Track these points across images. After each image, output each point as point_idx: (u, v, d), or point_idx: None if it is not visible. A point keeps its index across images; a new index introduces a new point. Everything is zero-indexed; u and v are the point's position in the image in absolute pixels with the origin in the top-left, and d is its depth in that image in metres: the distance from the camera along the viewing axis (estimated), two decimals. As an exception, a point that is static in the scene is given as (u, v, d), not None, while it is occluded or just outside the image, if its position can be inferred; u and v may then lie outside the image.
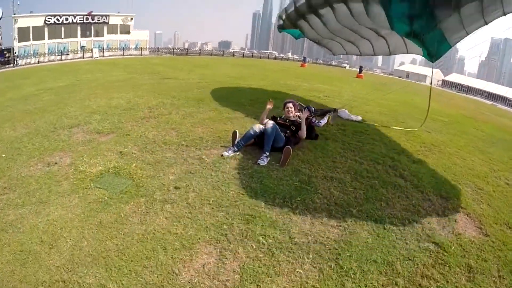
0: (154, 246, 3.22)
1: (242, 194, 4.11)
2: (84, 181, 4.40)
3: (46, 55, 36.15)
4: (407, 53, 7.83)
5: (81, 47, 40.83)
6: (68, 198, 4.01)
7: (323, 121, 7.17)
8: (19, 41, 37.00)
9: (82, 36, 43.66)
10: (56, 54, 36.84)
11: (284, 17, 8.56)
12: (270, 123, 5.23)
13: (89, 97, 9.92)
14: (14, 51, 32.51)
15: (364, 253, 3.33)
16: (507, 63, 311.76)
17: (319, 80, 19.02)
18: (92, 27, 45.01)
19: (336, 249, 3.35)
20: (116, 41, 46.90)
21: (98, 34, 45.83)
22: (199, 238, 3.34)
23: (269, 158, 5.04)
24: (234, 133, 5.43)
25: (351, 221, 3.80)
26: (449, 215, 4.18)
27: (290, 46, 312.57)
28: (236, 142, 5.30)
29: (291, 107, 5.93)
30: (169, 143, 5.62)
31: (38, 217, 3.64)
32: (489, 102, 29.72)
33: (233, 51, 59.85)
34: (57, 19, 40.88)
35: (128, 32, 49.34)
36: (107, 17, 46.38)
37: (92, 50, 37.87)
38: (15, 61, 30.41)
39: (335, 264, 3.16)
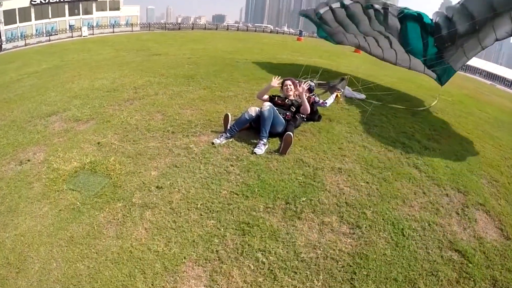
0: (131, 270, 2.61)
1: (237, 195, 3.46)
2: (57, 182, 3.82)
3: (34, 37, 34.69)
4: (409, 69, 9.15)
5: (70, 26, 39.18)
6: (38, 205, 3.48)
7: (330, 101, 6.30)
8: (5, 24, 35.26)
9: (70, 15, 41.95)
10: (44, 35, 35.36)
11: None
12: (267, 105, 4.52)
13: (72, 79, 9.20)
14: (0, 35, 31.27)
15: (383, 269, 2.76)
16: (506, 43, 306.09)
17: (317, 54, 17.72)
18: (81, 5, 43.17)
19: (351, 266, 2.77)
20: (105, 18, 45.26)
21: (87, 12, 44.09)
22: (184, 257, 2.72)
23: (267, 146, 4.40)
24: (226, 117, 4.73)
25: (365, 227, 3.20)
26: (469, 214, 3.69)
27: (285, 19, 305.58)
28: (228, 127, 4.60)
29: (290, 85, 5.19)
30: (154, 130, 4.94)
31: (5, 231, 3.15)
32: (488, 82, 28.75)
33: (227, 25, 57.69)
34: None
35: (118, 9, 47.65)
36: (96, -6, 44.48)
37: (81, 28, 36.42)
38: (0, 46, 29.16)
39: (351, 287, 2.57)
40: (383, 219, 3.30)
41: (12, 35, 34.94)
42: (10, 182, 3.95)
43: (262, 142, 4.36)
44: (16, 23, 36.64)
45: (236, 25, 69.22)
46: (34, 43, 31.70)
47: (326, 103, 6.01)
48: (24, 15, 37.45)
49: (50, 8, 39.83)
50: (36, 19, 38.45)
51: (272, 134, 4.57)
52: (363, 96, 7.20)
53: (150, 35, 29.98)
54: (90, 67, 11.60)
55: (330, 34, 10.56)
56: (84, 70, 11.01)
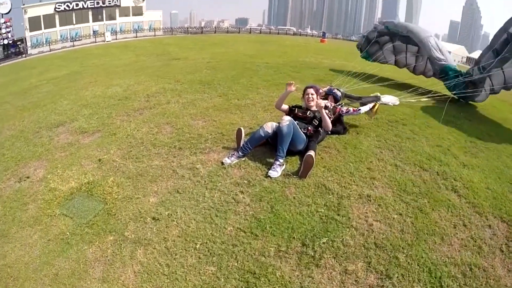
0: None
1: (244, 232, 2.91)
2: (51, 205, 3.53)
3: (59, 42, 35.42)
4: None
5: (94, 31, 39.81)
6: (29, 231, 3.21)
7: (365, 108, 5.34)
8: (30, 31, 36.08)
9: (94, 20, 42.55)
10: (69, 41, 36.05)
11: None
12: (286, 120, 3.97)
13: (87, 86, 9.03)
14: (26, 41, 31.92)
15: None
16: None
17: (341, 56, 17.08)
18: (104, 11, 43.70)
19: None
20: (129, 23, 45.68)
21: (110, 17, 44.55)
22: (175, 317, 2.20)
23: (283, 167, 3.85)
24: (239, 132, 4.21)
25: (397, 276, 2.57)
26: (513, 250, 2.99)
27: (308, 21, 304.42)
28: (241, 145, 4.09)
29: (312, 94, 4.59)
30: (159, 145, 4.50)
31: (-5, 259, 2.85)
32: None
33: (250, 28, 57.39)
34: (67, 6, 39.68)
35: (140, 14, 47.93)
36: (118, 0, 44.90)
37: (104, 34, 36.89)
38: (26, 51, 29.77)
39: None
40: (418, 265, 2.68)
41: (37, 41, 35.74)
42: (6, 201, 3.74)
43: (278, 162, 3.81)
44: (41, 29, 37.40)
45: (259, 28, 68.97)
46: (59, 49, 32.36)
47: (359, 110, 5.18)
48: (49, 21, 38.20)
49: (74, 14, 40.51)
50: (60, 25, 39.17)
51: (291, 152, 4.04)
52: (396, 101, 6.46)
53: (172, 40, 29.99)
54: (108, 73, 11.46)
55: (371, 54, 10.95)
56: (101, 76, 10.88)
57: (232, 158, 3.97)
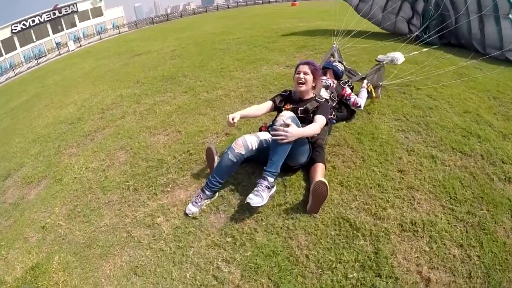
0: None
1: None
2: None
3: (24, 64, 33.35)
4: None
5: (57, 44, 37.56)
6: None
7: (362, 100, 3.95)
8: None
9: (54, 32, 39.89)
10: (34, 59, 33.97)
11: None
12: (288, 117, 2.58)
13: (42, 111, 7.71)
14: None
15: None
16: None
17: (316, 16, 15.26)
18: (62, 20, 40.84)
19: None
20: (91, 27, 43.10)
21: (71, 25, 41.81)
22: None
23: (273, 190, 2.59)
24: (210, 152, 2.95)
25: None
26: None
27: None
28: (208, 180, 2.73)
29: (305, 74, 2.99)
30: (110, 187, 3.24)
31: None
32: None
33: (217, 5, 54.91)
34: (24, 25, 36.92)
35: (101, 14, 45.11)
36: (75, 5, 41.72)
37: (67, 44, 34.77)
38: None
39: None
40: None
41: (1, 68, 33.60)
42: None
43: (265, 183, 2.50)
44: (2, 55, 35.12)
45: (226, 3, 66.06)
46: (25, 70, 30.38)
47: (359, 105, 3.85)
48: (9, 45, 35.66)
49: (32, 31, 37.82)
50: (21, 46, 36.69)
51: (287, 167, 2.78)
52: (400, 57, 5.03)
53: (136, 34, 28.04)
54: (65, 89, 10.05)
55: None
56: (58, 94, 9.51)
57: (199, 202, 2.68)
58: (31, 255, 2.83)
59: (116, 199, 3.04)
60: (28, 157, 4.79)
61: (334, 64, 4.13)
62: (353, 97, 3.79)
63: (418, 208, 2.47)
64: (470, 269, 2.01)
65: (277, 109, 3.12)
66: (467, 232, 2.27)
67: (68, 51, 32.93)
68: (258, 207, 2.45)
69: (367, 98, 4.02)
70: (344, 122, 3.69)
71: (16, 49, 36.33)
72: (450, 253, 2.12)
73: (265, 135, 2.82)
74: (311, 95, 3.07)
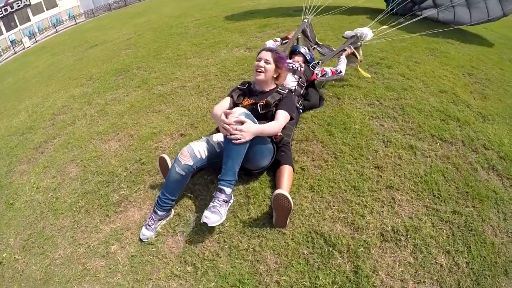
0: None
1: None
2: None
3: (-22, 67, 31.25)
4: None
5: (11, 41, 35.24)
6: None
7: (342, 65, 3.73)
8: None
9: (8, 30, 37.11)
10: (-12, 61, 31.84)
11: None
12: (240, 114, 2.18)
13: (-5, 122, 7.06)
14: None
15: None
16: None
17: None
18: (15, 16, 38.05)
19: None
20: (46, 20, 40.41)
21: (25, 19, 39.19)
22: None
23: (230, 202, 2.26)
24: (163, 162, 2.63)
25: None
26: None
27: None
28: (158, 198, 2.39)
29: (267, 63, 2.64)
30: (62, 212, 2.89)
31: None
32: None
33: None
34: (-26, 24, 34.70)
35: (55, 5, 42.19)
36: (28, -1, 39.31)
37: (22, 40, 32.65)
38: None
39: None
40: None
41: (-46, 74, 31.41)
42: None
43: (222, 197, 2.17)
44: (-46, 61, 32.78)
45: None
46: (-20, 75, 28.50)
47: (340, 71, 3.62)
48: (-42, 49, 33.37)
49: (-17, 32, 35.58)
50: (-27, 48, 34.44)
51: (246, 171, 2.51)
52: (369, 32, 4.71)
53: (93, 23, 26.51)
54: (18, 93, 9.31)
55: None
56: (12, 99, 8.77)
57: (154, 226, 2.35)
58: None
59: (68, 224, 2.72)
60: (-23, 179, 4.36)
61: (300, 49, 3.83)
62: (328, 70, 3.52)
63: (400, 212, 2.26)
64: (459, 279, 1.86)
65: (236, 105, 2.68)
66: (453, 235, 2.09)
67: (23, 49, 30.94)
68: (219, 226, 2.16)
69: (353, 64, 3.79)
70: (312, 111, 3.41)
71: (-33, 51, 33.99)
72: (436, 263, 1.95)
73: (218, 137, 2.48)
74: (273, 86, 2.72)
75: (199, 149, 2.35)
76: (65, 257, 2.47)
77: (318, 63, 3.63)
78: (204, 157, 2.36)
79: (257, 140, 2.24)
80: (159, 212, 2.36)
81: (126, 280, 2.12)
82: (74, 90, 5.97)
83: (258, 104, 2.57)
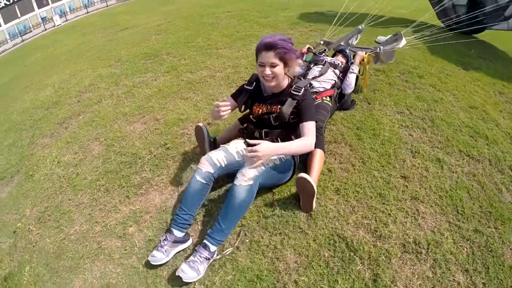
0: None
1: None
2: None
3: (8, 41, 32.14)
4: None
5: (42, 19, 36.18)
6: None
7: (351, 79, 3.52)
8: None
9: (39, 7, 38.10)
10: (19, 36, 32.74)
11: None
12: (248, 180, 2.07)
13: (21, 94, 7.28)
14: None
15: None
16: None
17: None
18: (48, -6, 39.59)
19: None
20: (77, 0, 41.68)
21: (57, -2, 40.49)
22: None
23: (212, 259, 2.04)
24: (199, 131, 2.67)
25: None
26: None
27: None
28: (175, 216, 2.19)
29: (272, 66, 2.19)
30: (81, 187, 2.94)
31: None
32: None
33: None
34: (8, 0, 35.64)
35: (88, -14, 43.54)
36: (60, -23, 40.26)
37: (52, 18, 33.48)
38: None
39: None
40: None
41: (-13, 47, 32.39)
42: None
43: (205, 253, 1.99)
44: (-14, 34, 33.82)
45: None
46: (10, 48, 29.35)
47: (348, 86, 3.47)
48: (-8, 23, 34.44)
49: (16, 7, 36.03)
50: (5, 23, 35.04)
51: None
52: (402, 40, 4.62)
53: (124, 7, 26.90)
54: (46, 68, 9.57)
55: None
56: (39, 74, 9.04)
57: (166, 248, 2.06)
58: (3, 263, 2.58)
59: (86, 201, 2.75)
60: (2, 149, 4.45)
61: (344, 49, 3.87)
62: (348, 78, 3.47)
63: (423, 225, 2.21)
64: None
65: (245, 108, 2.51)
66: (473, 254, 2.03)
67: (54, 26, 31.80)
68: (190, 282, 1.97)
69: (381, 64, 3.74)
70: (342, 113, 3.36)
71: (0, 26, 34.99)
72: (454, 280, 1.90)
73: (237, 145, 2.40)
74: (286, 81, 2.36)
75: (217, 157, 2.27)
76: (81, 233, 2.49)
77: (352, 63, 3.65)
78: (223, 165, 2.28)
79: (277, 163, 2.22)
80: (176, 232, 2.13)
81: (141, 264, 2.12)
82: (102, 70, 6.05)
83: (271, 116, 2.30)
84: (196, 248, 2.04)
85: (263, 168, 2.14)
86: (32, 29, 34.55)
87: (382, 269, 1.94)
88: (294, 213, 2.29)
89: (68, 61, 9.14)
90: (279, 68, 2.19)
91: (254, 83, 2.43)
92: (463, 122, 3.30)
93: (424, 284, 1.88)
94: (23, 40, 30.38)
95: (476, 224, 2.23)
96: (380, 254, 2.02)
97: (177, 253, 2.12)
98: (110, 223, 2.45)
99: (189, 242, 2.18)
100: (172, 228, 2.14)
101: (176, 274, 1.92)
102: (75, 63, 8.05)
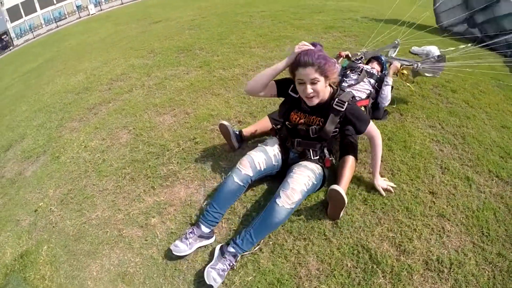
0: None
1: None
2: None
3: (44, 26, 33.26)
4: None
5: (77, 6, 37.27)
6: None
7: (387, 94, 3.44)
8: (11, 21, 33.31)
9: (75, -5, 39.85)
10: (54, 22, 33.83)
11: None
12: (293, 202, 2.05)
13: (53, 77, 7.50)
14: (9, 33, 29.96)
15: None
16: None
17: None
18: (84, -18, 40.80)
19: None
20: (113, -10, 42.74)
21: (92, -13, 41.68)
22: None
23: (229, 266, 1.97)
24: (223, 128, 2.74)
25: None
26: None
27: None
28: (205, 212, 2.19)
29: (312, 83, 2.08)
30: (106, 173, 2.98)
31: None
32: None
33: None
34: (44, -14, 36.98)
35: (124, -23, 44.61)
36: (98, -34, 41.47)
37: (87, 7, 34.45)
38: (12, 43, 28.08)
39: None
40: None
41: (20, 30, 33.53)
42: None
43: (232, 261, 1.96)
44: (22, 17, 34.85)
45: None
46: (44, 33, 30.37)
47: (384, 99, 3.39)
48: (29, 7, 35.17)
49: (53, -7, 37.80)
50: (41, 8, 36.23)
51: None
52: (436, 52, 4.47)
53: (157, 0, 27.54)
54: (79, 54, 9.84)
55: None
56: (72, 59, 9.32)
57: (190, 241, 2.07)
58: (21, 240, 2.64)
59: (111, 187, 2.77)
60: (31, 129, 4.59)
61: (380, 56, 3.81)
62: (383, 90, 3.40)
63: (447, 243, 2.11)
64: None
65: (280, 128, 2.48)
66: (494, 278, 1.93)
67: (88, 15, 32.74)
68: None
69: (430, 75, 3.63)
70: (373, 122, 3.29)
71: (36, 11, 36.20)
72: None
73: (274, 148, 2.36)
74: (328, 93, 2.22)
75: (259, 160, 2.24)
76: (102, 219, 2.51)
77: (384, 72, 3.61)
78: (262, 169, 2.26)
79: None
80: (203, 228, 2.13)
81: (161, 256, 2.11)
82: (134, 60, 6.15)
83: (310, 129, 2.24)
84: (225, 255, 1.96)
85: (306, 189, 2.11)
86: (67, 16, 35.59)
87: (403, 285, 1.88)
88: (320, 220, 2.24)
89: (101, 49, 9.36)
90: (321, 85, 2.07)
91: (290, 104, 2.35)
92: (494, 142, 3.17)
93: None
94: (57, 26, 31.36)
95: (500, 247, 2.13)
96: (403, 269, 1.96)
97: (198, 248, 2.11)
98: (133, 212, 2.46)
99: (213, 239, 2.16)
100: (200, 223, 2.14)
101: (208, 283, 1.86)
102: (107, 52, 8.22)
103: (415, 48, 4.89)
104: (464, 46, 4.49)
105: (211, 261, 1.94)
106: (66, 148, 3.66)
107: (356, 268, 1.97)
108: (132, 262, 2.11)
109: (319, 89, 2.07)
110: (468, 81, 4.40)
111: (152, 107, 3.93)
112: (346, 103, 2.18)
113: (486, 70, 4.75)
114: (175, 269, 2.01)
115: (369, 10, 9.13)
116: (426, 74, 3.69)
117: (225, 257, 1.93)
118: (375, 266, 1.97)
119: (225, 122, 2.71)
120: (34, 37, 28.96)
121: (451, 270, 1.96)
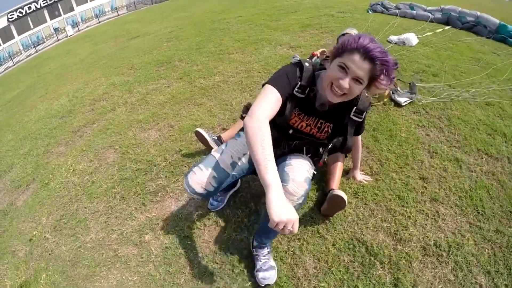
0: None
1: None
2: None
3: (22, 52, 32.96)
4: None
5: (55, 29, 37.01)
6: None
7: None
8: None
9: (51, 18, 39.18)
10: (32, 47, 33.54)
11: None
12: (299, 196, 1.59)
13: (35, 105, 7.39)
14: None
15: None
16: None
17: None
18: (59, 5, 40.00)
19: None
20: (89, 10, 42.32)
21: (68, 9, 41.20)
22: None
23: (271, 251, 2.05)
24: (199, 135, 2.85)
25: None
26: None
27: None
28: (213, 198, 2.35)
29: (357, 79, 1.47)
30: (96, 195, 2.96)
31: None
32: None
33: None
34: (20, 12, 36.24)
35: (99, -3, 44.47)
36: (73, -11, 41.28)
37: (65, 29, 34.22)
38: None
39: None
40: None
41: (0, 59, 33.23)
42: None
43: (268, 250, 2.00)
44: (0, 45, 34.72)
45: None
46: (24, 58, 30.09)
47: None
48: (6, 34, 35.16)
49: (29, 18, 37.18)
50: (19, 35, 36.18)
51: None
52: (414, 39, 4.48)
53: (135, 15, 27.42)
54: (60, 78, 9.76)
55: None
56: (53, 84, 9.21)
57: (219, 198, 2.43)
58: (19, 271, 2.61)
59: (102, 209, 2.76)
60: (18, 157, 4.53)
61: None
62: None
63: (443, 226, 2.16)
64: None
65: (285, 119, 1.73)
66: (495, 255, 1.98)
67: (66, 36, 32.54)
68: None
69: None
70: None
71: (14, 37, 35.88)
72: (476, 282, 1.86)
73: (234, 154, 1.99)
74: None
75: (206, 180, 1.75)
76: (97, 241, 2.50)
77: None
78: (217, 186, 1.79)
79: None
80: (215, 203, 2.43)
81: (158, 271, 2.11)
82: (115, 78, 6.13)
83: (317, 136, 1.82)
84: (259, 254, 1.98)
85: (310, 176, 1.69)
86: (45, 39, 35.34)
87: (403, 273, 1.91)
88: (312, 218, 2.26)
89: (81, 70, 9.30)
90: (360, 88, 1.52)
91: (308, 89, 1.67)
92: (480, 120, 3.23)
93: (446, 287, 1.84)
94: (36, 51, 31.09)
95: (497, 224, 2.17)
96: (401, 257, 1.99)
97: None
98: (126, 231, 2.45)
99: (238, 184, 2.49)
100: (211, 201, 2.45)
101: (263, 286, 1.89)
102: (88, 72, 8.18)
103: (392, 37, 4.94)
104: (441, 30, 4.58)
105: (210, 275, 1.96)
106: (54, 174, 3.64)
107: (354, 262, 2.00)
108: (130, 281, 2.10)
109: (355, 91, 1.51)
110: (448, 64, 4.47)
111: (136, 123, 3.93)
112: (365, 112, 1.85)
113: (465, 50, 4.84)
114: (173, 284, 2.02)
115: (344, 5, 9.21)
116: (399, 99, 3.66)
117: (258, 256, 1.98)
118: (372, 258, 2.00)
119: (200, 129, 2.80)
120: (14, 64, 28.65)
121: (450, 253, 2.00)
